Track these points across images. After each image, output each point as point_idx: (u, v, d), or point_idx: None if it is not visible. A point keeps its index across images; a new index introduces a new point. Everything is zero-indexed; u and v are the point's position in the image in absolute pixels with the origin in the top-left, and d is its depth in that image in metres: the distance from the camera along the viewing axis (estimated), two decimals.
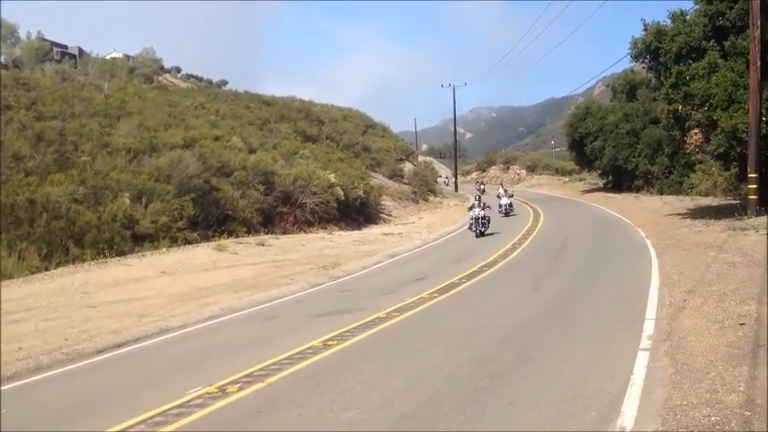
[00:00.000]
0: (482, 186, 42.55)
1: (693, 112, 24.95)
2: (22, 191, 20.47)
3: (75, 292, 16.61)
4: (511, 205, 39.13)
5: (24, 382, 9.95)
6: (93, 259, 20.17)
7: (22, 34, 75.47)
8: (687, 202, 35.63)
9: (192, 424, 7.53)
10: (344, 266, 21.12)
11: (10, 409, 8.59)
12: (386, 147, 65.42)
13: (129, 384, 9.65)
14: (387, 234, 32.45)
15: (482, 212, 28.91)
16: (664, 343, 9.64)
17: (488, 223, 29.56)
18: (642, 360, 8.90)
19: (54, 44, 78.30)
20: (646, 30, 26.92)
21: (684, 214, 29.85)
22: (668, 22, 26.89)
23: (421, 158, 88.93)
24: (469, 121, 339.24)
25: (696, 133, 26.94)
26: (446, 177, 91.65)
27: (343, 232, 32.95)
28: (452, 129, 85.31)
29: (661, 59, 26.45)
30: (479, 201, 30.05)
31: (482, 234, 28.55)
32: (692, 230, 23.23)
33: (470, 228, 29.31)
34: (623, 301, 13.47)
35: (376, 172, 53.45)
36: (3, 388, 9.58)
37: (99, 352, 11.60)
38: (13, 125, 25.95)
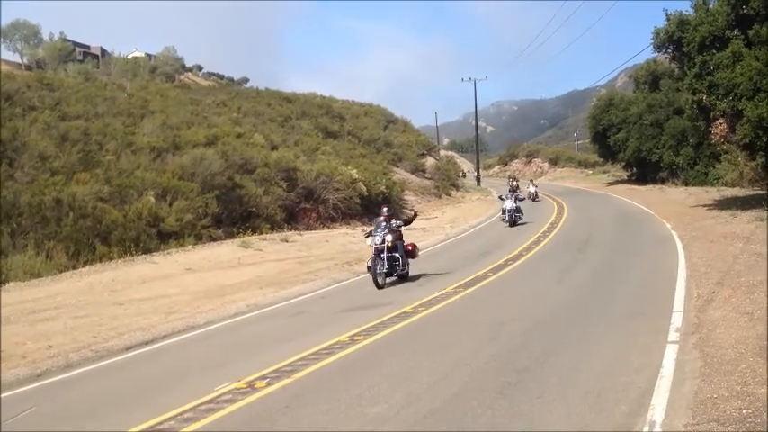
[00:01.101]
0: (515, 183, 41.18)
1: (718, 102, 24.71)
2: (49, 190, 20.70)
3: (103, 289, 16.77)
4: (518, 209, 31.28)
5: (54, 379, 10.06)
6: (119, 257, 20.36)
7: (45, 35, 76.31)
8: (713, 194, 35.26)
9: (222, 419, 7.57)
10: (369, 262, 21.12)
11: (41, 406, 8.71)
12: (407, 142, 65.41)
13: (158, 381, 9.73)
14: (410, 229, 32.35)
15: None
16: (692, 335, 9.56)
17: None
18: (671, 353, 8.82)
19: (76, 44, 79.24)
20: (668, 19, 26.72)
21: (710, 205, 29.56)
22: (691, 11, 26.69)
23: (443, 153, 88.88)
24: (491, 115, 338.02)
25: (721, 123, 26.69)
26: (468, 171, 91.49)
27: (366, 228, 32.91)
28: (474, 123, 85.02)
29: (684, 49, 26.21)
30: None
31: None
32: (719, 222, 23.01)
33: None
34: (650, 293, 13.38)
35: (398, 167, 53.45)
36: (34, 386, 9.72)
37: (127, 349, 11.70)
38: (38, 125, 26.26)
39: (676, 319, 10.63)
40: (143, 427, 7.47)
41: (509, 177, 62.59)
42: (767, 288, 11.47)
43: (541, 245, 22.69)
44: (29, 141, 23.95)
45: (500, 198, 33.15)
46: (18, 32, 73.60)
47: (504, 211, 31.02)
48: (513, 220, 30.23)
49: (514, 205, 30.72)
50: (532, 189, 46.75)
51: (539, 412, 7.11)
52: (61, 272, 18.71)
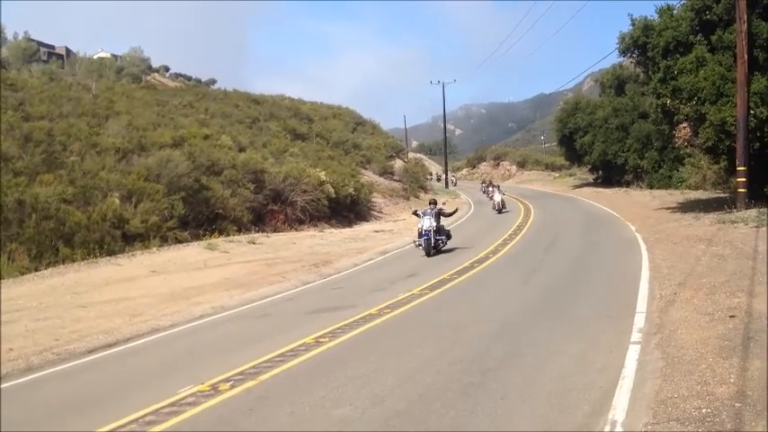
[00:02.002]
0: (490, 188, 42.32)
1: (682, 106, 25.05)
2: (11, 191, 20.35)
3: (66, 292, 16.54)
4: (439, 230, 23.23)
5: (15, 382, 9.91)
6: (83, 259, 20.08)
7: (9, 35, 75.16)
8: (677, 196, 35.78)
9: (184, 422, 7.51)
10: (336, 264, 21.11)
11: (1, 409, 8.57)
12: (376, 144, 65.48)
13: (121, 384, 9.62)
14: (378, 231, 32.45)
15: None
16: (654, 336, 9.67)
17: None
18: (633, 353, 8.92)
19: (41, 44, 78.08)
20: (633, 25, 27.00)
21: (674, 208, 29.98)
22: (655, 16, 26.99)
23: (411, 155, 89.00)
24: (460, 118, 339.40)
25: (685, 127, 27.05)
26: (437, 174, 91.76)
27: (333, 230, 32.93)
28: (442, 125, 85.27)
29: (649, 54, 26.55)
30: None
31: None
32: (682, 224, 23.31)
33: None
34: (614, 294, 13.52)
35: (366, 169, 53.48)
36: None
37: (90, 352, 11.57)
38: (0, 126, 25.81)
39: (639, 320, 10.75)
40: (105, 429, 7.39)
41: (483, 182, 62.81)
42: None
43: (507, 247, 22.81)
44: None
45: (415, 214, 24.65)
46: None
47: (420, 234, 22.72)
48: (432, 245, 22.12)
49: (434, 224, 22.30)
50: (498, 198, 40.06)
51: (503, 413, 7.16)
52: (23, 274, 18.40)
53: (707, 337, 9.16)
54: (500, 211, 38.46)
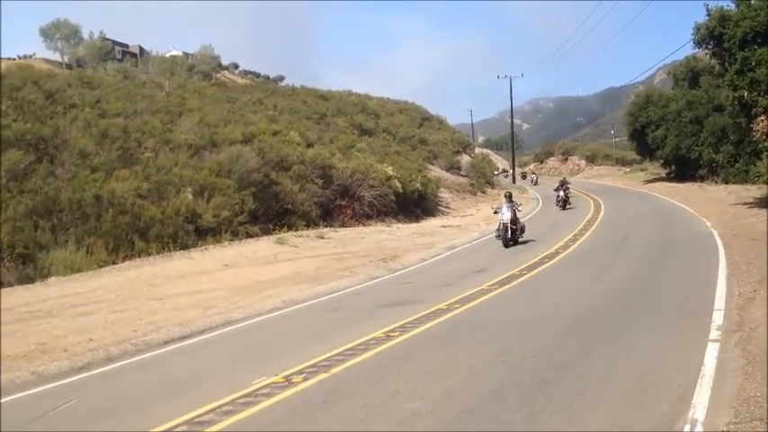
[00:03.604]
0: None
1: (760, 99, 24.29)
2: (89, 187, 21.02)
3: (142, 284, 16.98)
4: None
5: (95, 372, 10.20)
6: (158, 253, 20.59)
7: (85, 34, 77.42)
8: (753, 191, 34.61)
9: (260, 413, 7.64)
10: (403, 259, 21.13)
11: (83, 398, 8.85)
12: (442, 139, 65.26)
13: (197, 374, 9.83)
14: (445, 226, 32.35)
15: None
16: (734, 334, 9.42)
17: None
18: (712, 351, 8.71)
19: (116, 43, 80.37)
20: (709, 15, 26.29)
21: (751, 203, 29.06)
22: (732, 6, 26.21)
23: (478, 150, 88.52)
24: (527, 112, 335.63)
25: (763, 120, 26.22)
26: (503, 170, 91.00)
27: (401, 225, 32.99)
28: (509, 120, 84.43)
29: (725, 45, 25.78)
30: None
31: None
32: (760, 220, 22.60)
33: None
34: (690, 291, 13.20)
35: (433, 164, 53.38)
36: (76, 378, 9.89)
37: (166, 343, 11.83)
38: (78, 123, 26.67)
39: (718, 318, 10.49)
40: (183, 419, 7.56)
41: (523, 174, 61.51)
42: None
43: (578, 243, 22.48)
44: (69, 139, 24.36)
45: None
46: (59, 32, 74.83)
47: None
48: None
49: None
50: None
51: (578, 409, 7.05)
52: (101, 267, 18.99)
53: None
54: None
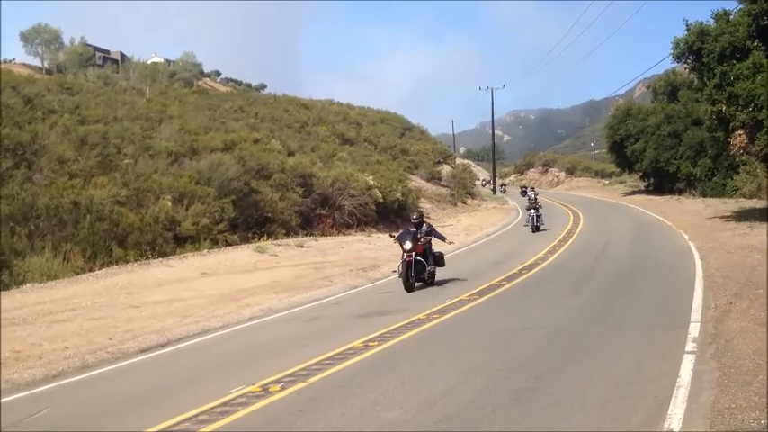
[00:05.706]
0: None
1: (738, 113, 24.55)
2: (67, 193, 20.83)
3: (119, 292, 16.85)
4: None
5: (70, 380, 10.09)
6: (135, 260, 20.44)
7: (66, 39, 76.95)
8: (731, 205, 35.02)
9: (236, 422, 7.58)
10: (383, 268, 21.09)
11: (56, 406, 8.75)
12: (423, 149, 65.34)
13: (173, 383, 9.75)
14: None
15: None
16: (710, 346, 9.49)
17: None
18: (688, 363, 8.75)
19: (97, 49, 79.98)
20: (688, 30, 26.56)
21: (728, 217, 29.37)
22: (711, 22, 26.50)
23: (459, 161, 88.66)
24: (508, 124, 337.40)
25: (740, 134, 26.48)
26: (484, 180, 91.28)
27: (381, 234, 32.92)
28: (490, 131, 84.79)
29: (704, 60, 26.07)
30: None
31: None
32: (737, 233, 22.85)
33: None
34: (667, 303, 13.29)
35: (414, 174, 53.42)
36: (50, 386, 9.79)
37: (143, 351, 11.74)
38: (57, 129, 26.46)
39: (694, 330, 10.56)
40: (158, 428, 7.49)
41: (522, 188, 61.24)
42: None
43: (557, 254, 22.58)
44: (48, 144, 24.15)
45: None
46: (39, 36, 74.40)
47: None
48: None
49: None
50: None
51: (556, 419, 7.06)
52: (78, 274, 18.80)
53: (764, 348, 8.96)
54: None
